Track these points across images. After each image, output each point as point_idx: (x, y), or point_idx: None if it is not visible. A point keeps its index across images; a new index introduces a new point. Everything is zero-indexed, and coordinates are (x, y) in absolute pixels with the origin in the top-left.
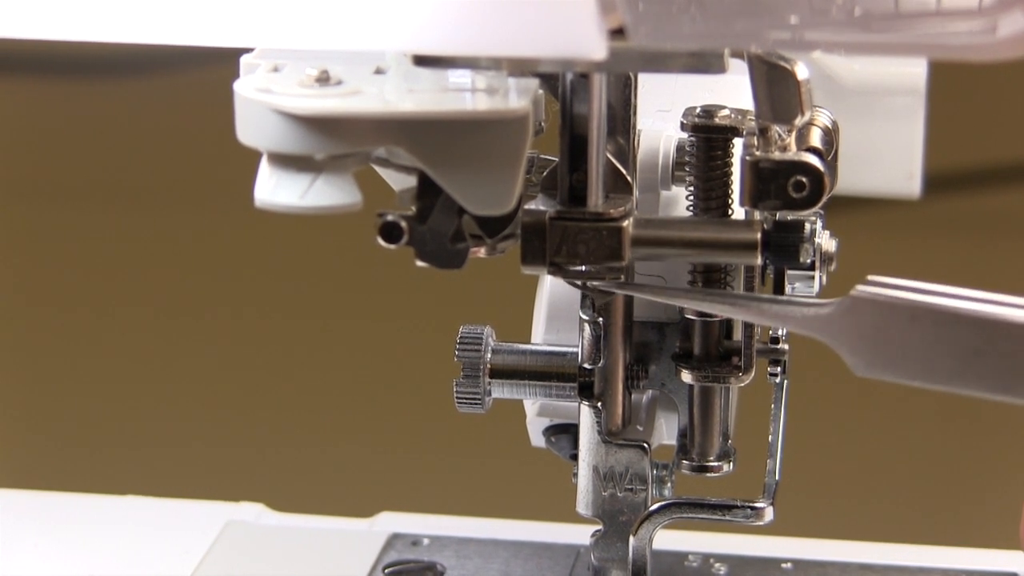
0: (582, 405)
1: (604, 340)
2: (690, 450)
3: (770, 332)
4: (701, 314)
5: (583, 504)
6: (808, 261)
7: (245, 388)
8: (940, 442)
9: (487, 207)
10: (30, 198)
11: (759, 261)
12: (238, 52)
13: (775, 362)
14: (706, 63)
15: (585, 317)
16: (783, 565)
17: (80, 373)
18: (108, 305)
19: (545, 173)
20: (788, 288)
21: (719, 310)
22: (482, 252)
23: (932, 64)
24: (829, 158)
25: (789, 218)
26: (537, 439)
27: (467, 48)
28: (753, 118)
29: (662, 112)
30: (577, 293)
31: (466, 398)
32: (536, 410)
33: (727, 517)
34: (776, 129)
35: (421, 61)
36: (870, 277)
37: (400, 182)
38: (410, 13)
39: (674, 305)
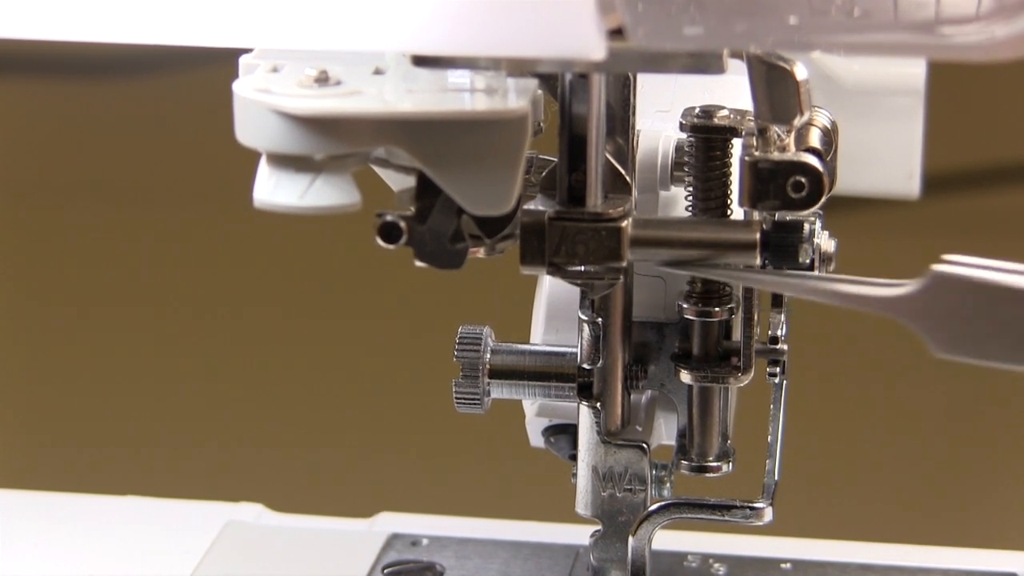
0: (581, 405)
1: (603, 340)
2: (689, 450)
3: (769, 332)
4: (700, 314)
5: (582, 504)
6: (807, 261)
7: (245, 388)
8: (940, 442)
9: (486, 207)
10: (30, 198)
11: (758, 261)
12: (238, 52)
13: (774, 362)
14: (705, 63)
15: (584, 317)
16: (782, 565)
17: (80, 373)
18: (108, 305)
19: (544, 173)
20: None
21: (795, 291)
22: (481, 252)
23: (932, 64)
24: (828, 158)
25: (788, 218)
26: (536, 439)
27: (466, 48)
28: (752, 118)
29: (661, 112)
30: (576, 293)
31: (465, 398)
32: (535, 410)
33: (726, 517)
34: (775, 129)
35: (420, 61)
36: (947, 256)
37: (399, 182)
38: (410, 13)
39: (673, 306)
